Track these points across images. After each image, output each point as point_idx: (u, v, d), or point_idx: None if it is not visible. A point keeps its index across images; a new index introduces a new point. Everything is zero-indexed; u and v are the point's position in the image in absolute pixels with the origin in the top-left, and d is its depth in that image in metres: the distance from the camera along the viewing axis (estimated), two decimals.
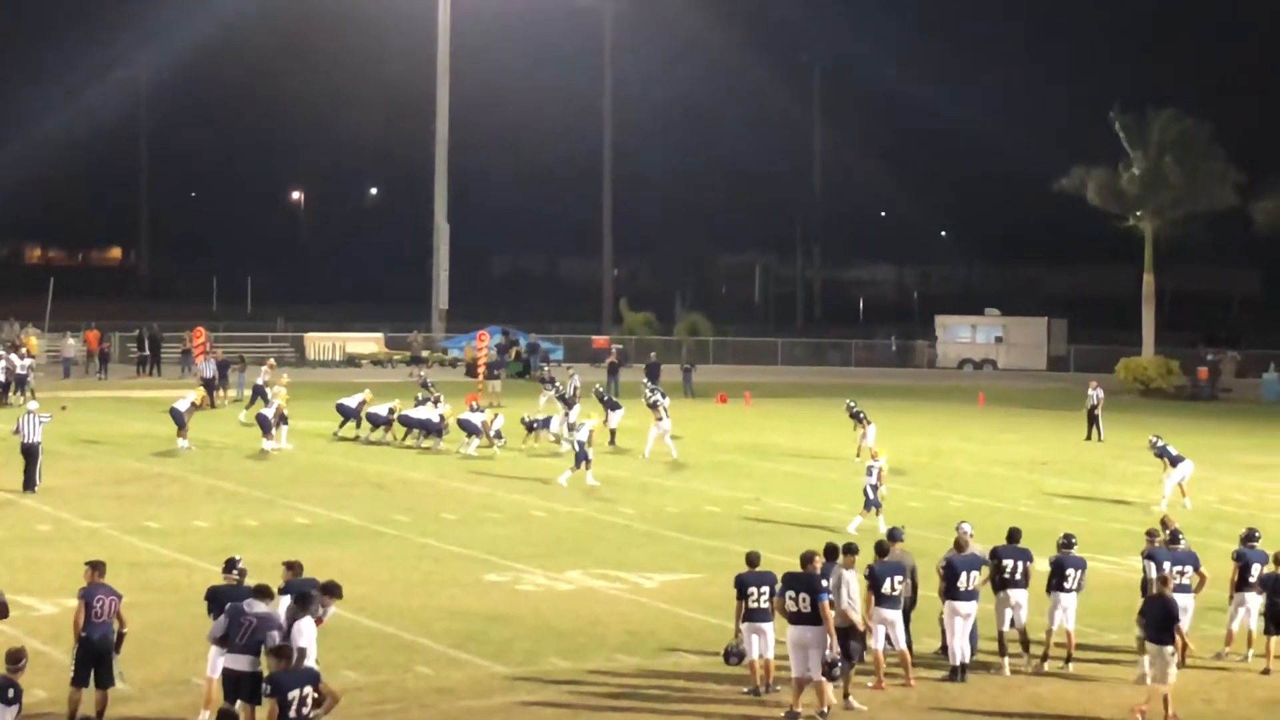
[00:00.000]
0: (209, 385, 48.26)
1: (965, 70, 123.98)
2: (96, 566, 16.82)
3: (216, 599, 16.55)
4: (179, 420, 38.16)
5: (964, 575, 19.05)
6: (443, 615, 21.40)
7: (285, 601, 16.53)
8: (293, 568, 17.10)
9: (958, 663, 19.04)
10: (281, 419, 38.66)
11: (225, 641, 15.67)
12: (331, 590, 16.51)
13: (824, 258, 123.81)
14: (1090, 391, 46.97)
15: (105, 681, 16.33)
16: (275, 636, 15.46)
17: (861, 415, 39.84)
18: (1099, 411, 46.39)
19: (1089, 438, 46.18)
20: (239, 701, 15.36)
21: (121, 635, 16.46)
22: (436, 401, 41.16)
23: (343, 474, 35.32)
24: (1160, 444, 33.73)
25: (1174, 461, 33.15)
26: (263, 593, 16.06)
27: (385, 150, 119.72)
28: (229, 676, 15.63)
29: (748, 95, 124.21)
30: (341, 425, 41.74)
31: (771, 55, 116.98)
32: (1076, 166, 69.04)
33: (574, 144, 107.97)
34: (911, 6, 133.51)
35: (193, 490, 32.49)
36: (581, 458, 33.82)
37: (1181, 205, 67.50)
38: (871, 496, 28.68)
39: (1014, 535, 20.06)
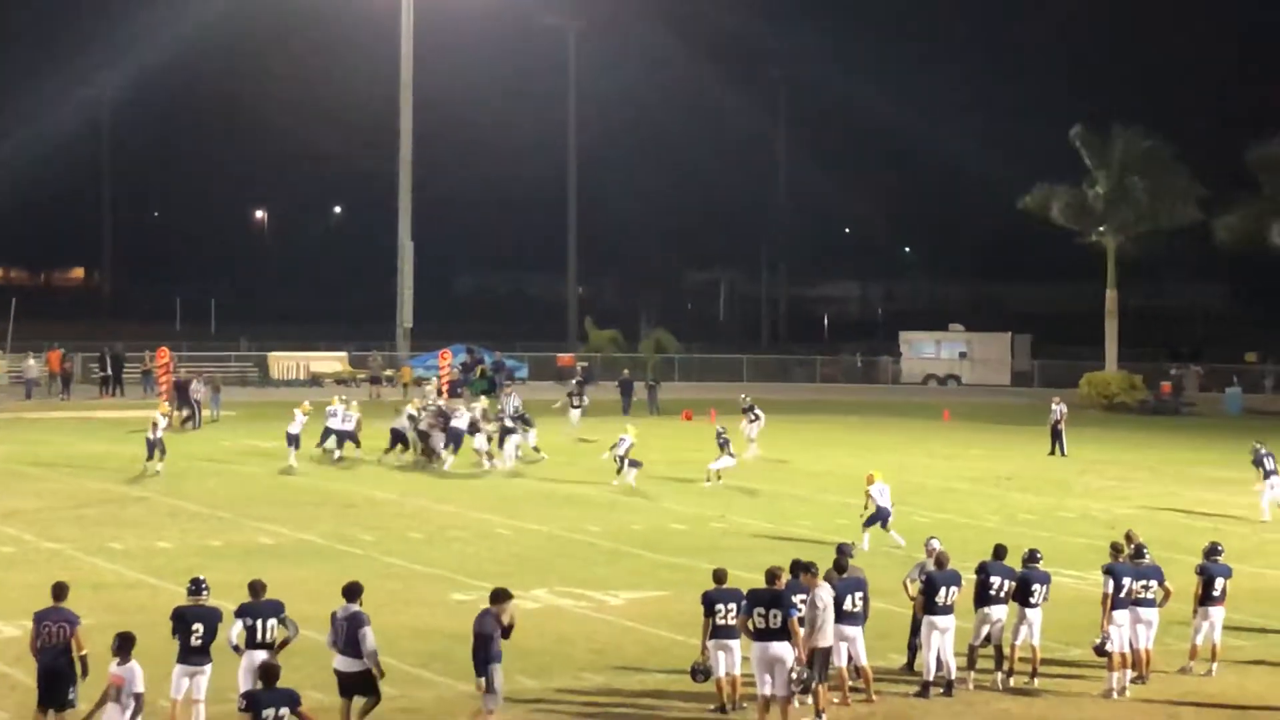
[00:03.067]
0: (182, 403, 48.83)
1: (929, 88, 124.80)
2: (53, 589, 16.74)
3: (182, 619, 16.50)
4: (160, 448, 37.82)
5: (943, 590, 19.05)
6: (409, 635, 21.32)
7: (238, 626, 16.64)
8: (254, 589, 17.06)
9: (931, 677, 19.03)
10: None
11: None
12: (501, 597, 16.98)
13: (789, 274, 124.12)
14: (1054, 407, 47.12)
15: (59, 704, 16.19)
16: (368, 634, 16.45)
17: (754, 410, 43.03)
18: (1062, 426, 46.55)
19: (1053, 453, 46.36)
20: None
21: (82, 659, 16.23)
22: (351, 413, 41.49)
23: (308, 493, 35.19)
24: (1263, 452, 33.91)
25: (1267, 475, 33.37)
26: (351, 593, 16.82)
27: (349, 169, 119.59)
28: (338, 678, 16.78)
29: (713, 113, 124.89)
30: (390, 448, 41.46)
31: (737, 73, 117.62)
32: (1039, 184, 69.14)
33: (539, 162, 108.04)
34: (876, 25, 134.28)
35: (156, 511, 32.32)
36: (633, 464, 36.68)
37: (1144, 222, 67.65)
38: (880, 514, 29.18)
39: (1000, 552, 19.96)
